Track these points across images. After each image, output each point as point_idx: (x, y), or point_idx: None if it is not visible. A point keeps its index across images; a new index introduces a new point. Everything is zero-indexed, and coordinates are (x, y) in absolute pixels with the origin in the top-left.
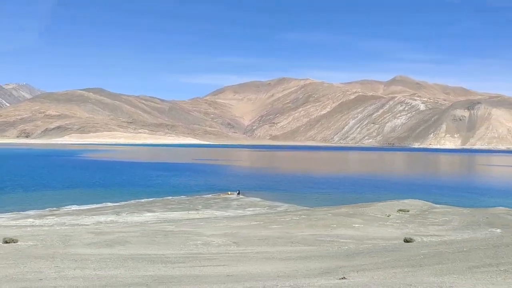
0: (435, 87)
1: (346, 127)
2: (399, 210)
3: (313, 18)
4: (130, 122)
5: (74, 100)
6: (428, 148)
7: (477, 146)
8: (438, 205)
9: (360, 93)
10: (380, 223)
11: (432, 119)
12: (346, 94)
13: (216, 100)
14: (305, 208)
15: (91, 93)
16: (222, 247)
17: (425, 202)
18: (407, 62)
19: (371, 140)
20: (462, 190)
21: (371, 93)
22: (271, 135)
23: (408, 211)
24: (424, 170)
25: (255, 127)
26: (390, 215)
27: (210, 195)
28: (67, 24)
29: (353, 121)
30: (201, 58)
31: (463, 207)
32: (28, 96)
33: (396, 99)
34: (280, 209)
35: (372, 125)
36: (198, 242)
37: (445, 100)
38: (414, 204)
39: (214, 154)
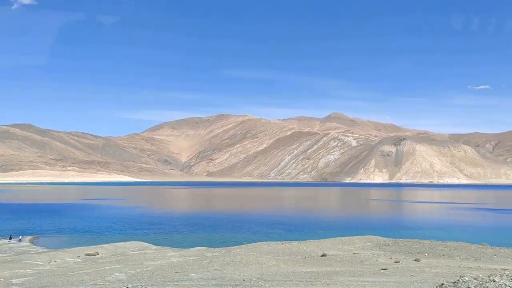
0: (368, 124)
1: (282, 163)
2: (86, 254)
3: (254, 56)
4: (59, 160)
5: None
6: (357, 183)
7: (403, 180)
8: (153, 246)
9: (296, 130)
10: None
11: (363, 154)
12: (283, 130)
13: (154, 136)
14: (46, 250)
15: (17, 129)
16: None
17: (144, 243)
18: (343, 99)
19: (306, 175)
20: (266, 226)
21: (307, 130)
22: (208, 171)
23: (95, 255)
24: (287, 207)
25: (192, 163)
26: (56, 261)
27: None
28: None
29: (289, 157)
30: (142, 93)
31: (181, 248)
32: None
33: (330, 135)
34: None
35: (307, 160)
36: None
37: (376, 136)
38: (127, 246)
39: (120, 193)
